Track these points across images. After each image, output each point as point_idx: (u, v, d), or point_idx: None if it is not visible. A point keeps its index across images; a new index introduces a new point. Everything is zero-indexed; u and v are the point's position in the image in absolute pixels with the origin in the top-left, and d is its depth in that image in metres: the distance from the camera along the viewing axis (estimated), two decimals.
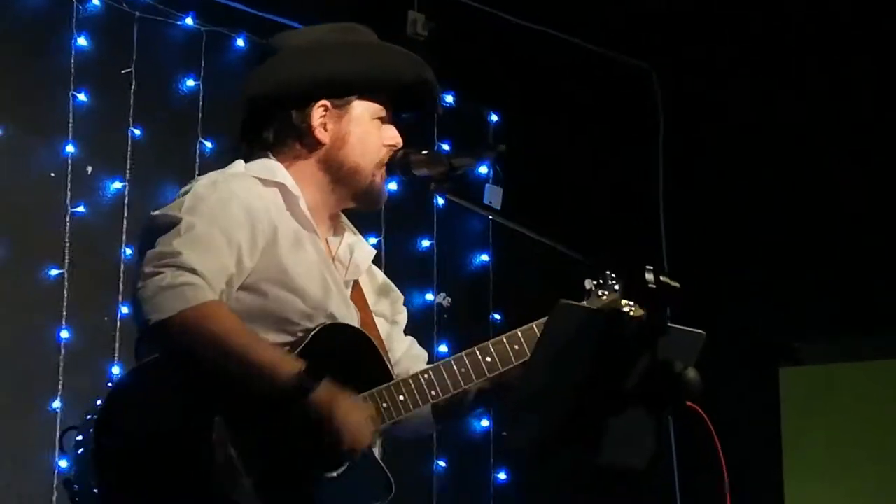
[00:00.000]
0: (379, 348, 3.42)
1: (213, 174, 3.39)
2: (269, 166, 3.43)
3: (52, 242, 5.11)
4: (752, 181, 6.36)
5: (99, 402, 3.12)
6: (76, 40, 5.22)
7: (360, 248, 3.55)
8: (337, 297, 3.39)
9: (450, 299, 6.13)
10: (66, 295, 5.10)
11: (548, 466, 5.76)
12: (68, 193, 5.15)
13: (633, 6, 6.32)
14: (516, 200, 5.94)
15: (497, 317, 6.20)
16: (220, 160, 3.56)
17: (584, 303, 3.42)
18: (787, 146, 6.24)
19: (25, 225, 5.11)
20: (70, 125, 5.18)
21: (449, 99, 5.94)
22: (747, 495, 3.62)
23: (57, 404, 5.01)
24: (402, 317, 3.68)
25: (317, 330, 3.29)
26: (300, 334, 3.30)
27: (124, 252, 5.22)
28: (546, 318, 3.22)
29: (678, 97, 6.56)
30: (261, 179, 3.38)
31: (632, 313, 3.24)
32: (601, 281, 3.44)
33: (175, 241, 3.16)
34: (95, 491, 3.06)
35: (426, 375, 3.39)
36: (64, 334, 5.08)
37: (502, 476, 6.17)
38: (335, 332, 3.33)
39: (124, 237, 5.23)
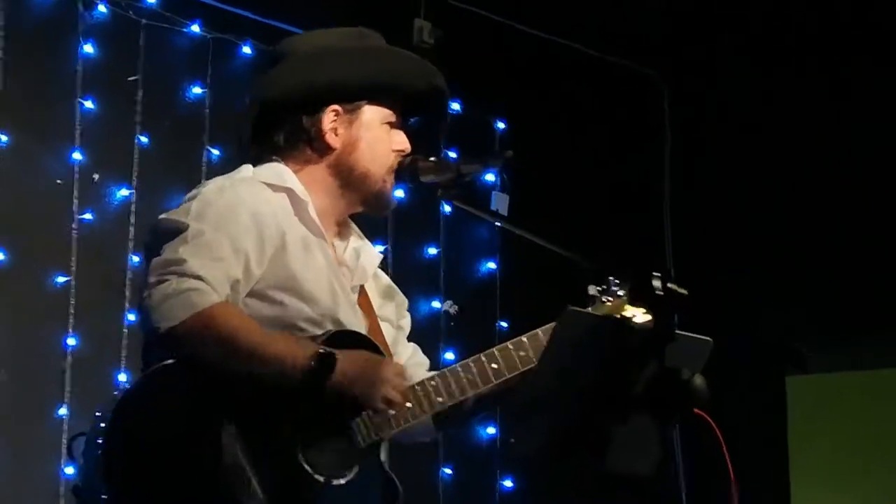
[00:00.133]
0: (385, 355, 3.41)
1: (220, 179, 3.38)
2: (278, 171, 3.43)
3: (58, 249, 5.11)
4: (761, 187, 6.35)
5: (107, 408, 3.12)
6: (83, 47, 5.23)
7: (367, 253, 3.56)
8: (344, 304, 3.39)
9: (457, 307, 6.12)
10: (72, 302, 5.10)
11: (554, 473, 5.75)
12: (75, 201, 5.16)
13: (638, 13, 6.32)
14: (523, 208, 5.94)
15: (504, 324, 6.20)
16: (226, 167, 3.56)
17: (590, 309, 3.42)
18: (796, 150, 6.23)
19: (32, 232, 5.11)
20: (77, 132, 5.19)
21: (455, 107, 5.94)
22: (754, 503, 3.62)
23: (63, 411, 5.02)
24: (407, 321, 3.68)
25: (324, 337, 3.29)
26: (307, 340, 3.29)
27: (131, 259, 5.22)
28: (551, 324, 3.23)
29: (684, 103, 6.56)
30: (269, 184, 3.37)
31: (636, 319, 3.24)
32: (605, 287, 3.45)
33: (181, 248, 3.16)
34: (104, 497, 3.06)
35: (433, 382, 3.39)
36: (71, 341, 5.08)
37: (508, 483, 6.16)
38: (342, 339, 3.32)
39: (131, 244, 5.24)
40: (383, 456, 3.35)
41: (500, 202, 5.96)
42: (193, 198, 3.29)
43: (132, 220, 5.27)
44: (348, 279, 3.48)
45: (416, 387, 3.37)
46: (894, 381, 6.10)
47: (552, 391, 3.02)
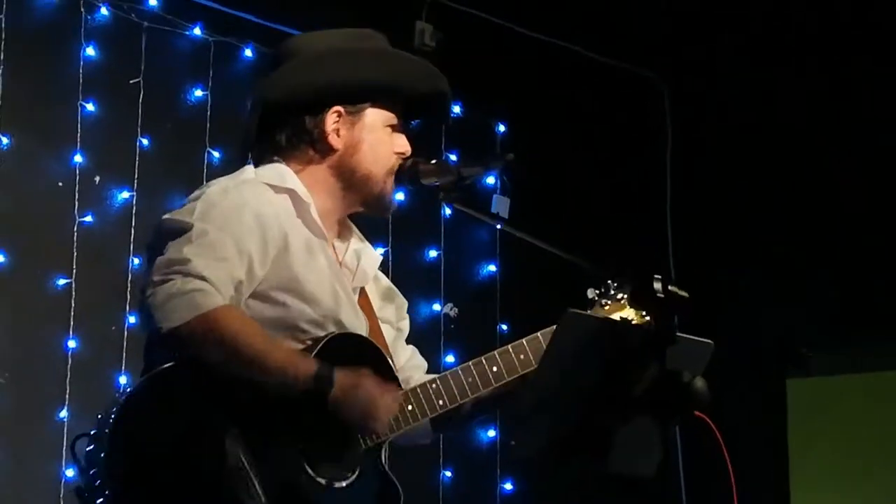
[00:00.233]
0: (387, 357, 3.42)
1: (223, 180, 3.39)
2: (280, 172, 3.43)
3: (59, 252, 5.12)
4: (761, 187, 6.35)
5: (110, 409, 3.12)
6: (84, 50, 5.23)
7: (367, 255, 3.56)
8: (346, 305, 3.40)
9: (457, 309, 6.13)
10: (73, 304, 5.10)
11: (554, 476, 5.75)
12: (76, 203, 5.16)
13: (638, 13, 6.32)
14: (524, 210, 5.94)
15: (504, 327, 6.20)
16: (227, 170, 3.55)
17: (589, 312, 3.42)
18: (796, 150, 6.23)
19: (33, 234, 5.12)
20: (78, 135, 5.19)
21: (456, 109, 5.94)
22: None
23: (64, 413, 5.02)
24: (406, 323, 3.69)
25: (326, 339, 3.30)
26: (309, 342, 3.30)
27: (132, 261, 5.22)
28: (551, 327, 3.23)
29: (685, 104, 6.56)
30: (271, 186, 3.38)
31: (635, 321, 3.25)
32: (603, 290, 3.45)
33: (185, 247, 3.16)
34: (107, 498, 3.06)
35: (434, 385, 3.40)
36: (71, 344, 5.09)
37: (508, 486, 6.17)
38: (344, 341, 3.33)
39: (132, 247, 5.24)
40: (384, 458, 3.36)
41: (500, 205, 5.95)
42: (197, 198, 3.29)
43: (133, 222, 5.27)
44: (349, 280, 3.49)
45: (418, 390, 3.38)
46: (895, 383, 6.10)
47: (553, 393, 3.03)
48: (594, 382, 3.01)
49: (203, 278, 3.11)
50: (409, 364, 3.64)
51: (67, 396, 5.04)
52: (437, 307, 6.08)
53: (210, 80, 5.52)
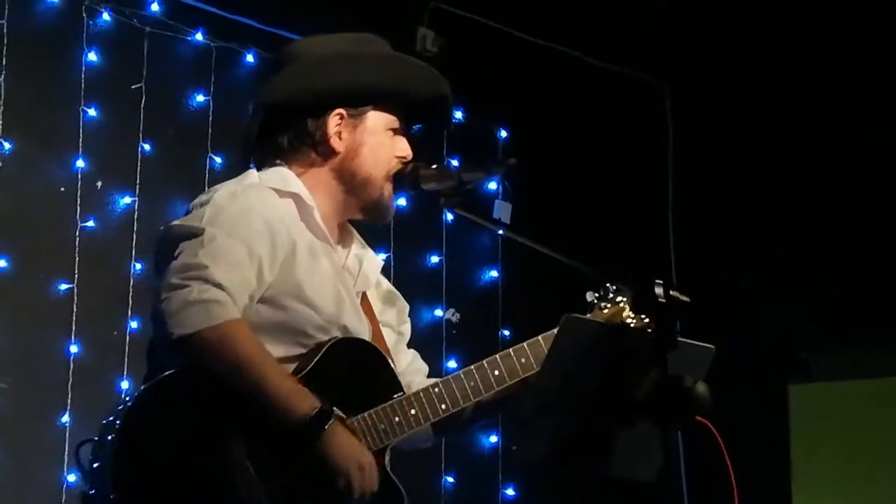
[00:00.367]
0: (390, 362, 3.43)
1: (230, 184, 3.39)
2: (283, 176, 3.43)
3: (61, 257, 5.12)
4: (762, 188, 6.35)
5: (116, 414, 3.12)
6: (86, 55, 5.24)
7: (369, 260, 3.56)
8: (350, 310, 3.40)
9: (458, 315, 6.13)
10: (75, 309, 5.11)
11: (556, 481, 5.75)
12: (78, 208, 5.17)
13: (638, 15, 6.33)
14: (526, 216, 5.94)
15: (506, 333, 6.20)
16: (229, 175, 3.56)
17: (588, 316, 3.42)
18: (796, 151, 6.23)
19: (35, 239, 5.12)
20: (80, 140, 5.20)
21: (458, 115, 5.94)
22: None
23: (66, 418, 5.02)
24: (407, 327, 3.68)
25: (330, 344, 3.30)
26: (313, 346, 3.30)
27: (134, 267, 5.23)
28: (552, 330, 3.23)
29: (685, 106, 6.57)
30: (276, 190, 3.38)
31: (634, 325, 3.25)
32: (602, 293, 3.45)
33: (199, 251, 3.16)
34: (114, 501, 3.06)
35: (436, 389, 3.40)
36: (73, 348, 5.09)
37: (510, 492, 6.16)
38: (348, 346, 3.33)
39: (134, 252, 5.24)
40: (387, 462, 3.35)
41: (502, 211, 5.95)
42: (205, 203, 3.29)
43: (135, 227, 5.28)
44: (351, 285, 3.49)
45: (420, 394, 3.38)
46: None
47: (554, 397, 3.03)
48: (595, 386, 3.00)
49: (220, 286, 3.11)
50: (411, 368, 3.64)
51: (69, 401, 5.04)
52: (438, 313, 6.08)
53: (212, 85, 5.53)
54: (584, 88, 6.45)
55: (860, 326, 6.00)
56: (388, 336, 3.58)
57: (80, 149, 5.19)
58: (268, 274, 3.26)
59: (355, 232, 3.60)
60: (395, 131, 3.51)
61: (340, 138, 3.47)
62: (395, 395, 3.36)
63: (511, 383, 3.46)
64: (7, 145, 5.03)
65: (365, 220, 3.56)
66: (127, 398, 3.22)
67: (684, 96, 6.56)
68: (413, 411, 3.35)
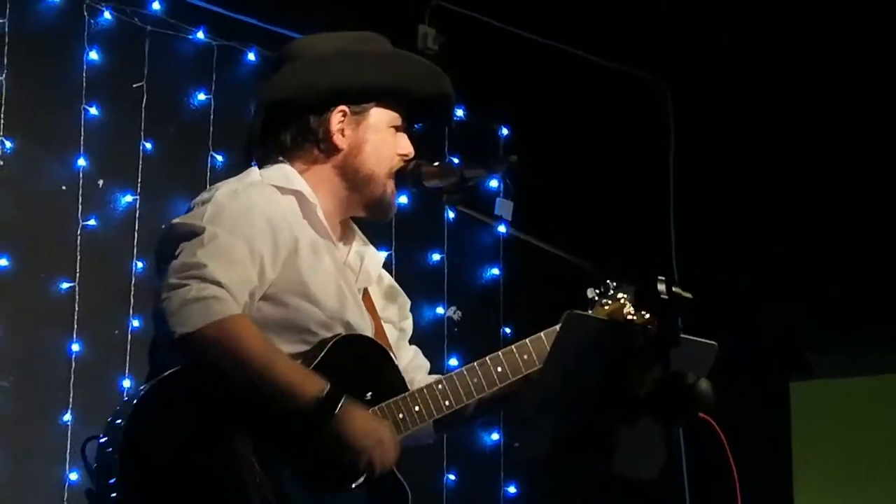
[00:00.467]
0: (393, 359, 3.43)
1: (231, 182, 3.39)
2: (285, 173, 3.44)
3: (63, 255, 5.12)
4: (763, 187, 6.35)
5: (122, 412, 3.12)
6: (88, 54, 5.24)
7: (370, 256, 3.57)
8: (353, 306, 3.40)
9: (460, 313, 6.13)
10: (76, 308, 5.11)
11: (557, 478, 5.75)
12: (80, 207, 5.17)
13: (639, 13, 6.33)
14: (527, 214, 5.93)
15: (507, 330, 6.20)
16: (230, 173, 3.56)
17: (590, 312, 3.42)
18: (797, 149, 6.23)
19: (37, 238, 5.12)
20: (81, 139, 5.20)
21: (459, 113, 5.94)
22: None
23: (68, 417, 5.02)
24: (409, 323, 3.69)
25: (334, 341, 3.30)
26: (317, 343, 3.30)
27: (135, 265, 5.23)
28: (554, 327, 3.24)
29: (686, 104, 6.57)
30: (278, 187, 3.38)
31: (635, 320, 3.25)
32: (603, 290, 3.45)
33: (199, 251, 3.16)
34: (119, 501, 3.06)
35: (440, 386, 3.40)
36: (75, 347, 5.09)
37: (512, 490, 6.16)
38: (352, 343, 3.34)
39: (135, 250, 5.24)
40: None
41: (504, 209, 5.93)
42: (206, 201, 3.29)
43: (136, 226, 5.27)
44: (353, 281, 3.49)
45: (424, 390, 3.39)
46: None
47: (556, 394, 3.03)
48: (597, 383, 3.01)
49: (219, 284, 3.12)
50: (412, 365, 3.64)
51: (71, 400, 5.04)
52: (440, 310, 6.08)
53: (213, 83, 5.53)
54: (585, 87, 6.45)
55: (861, 324, 6.00)
56: (390, 332, 3.58)
57: (82, 147, 5.19)
58: (270, 272, 3.26)
59: (357, 228, 3.60)
60: (398, 128, 3.52)
61: (343, 135, 3.47)
62: (399, 392, 3.36)
63: (514, 380, 3.47)
64: (8, 144, 5.03)
65: (367, 217, 3.56)
66: (132, 396, 3.21)
67: (685, 94, 6.56)
68: (417, 408, 3.36)
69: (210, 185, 3.50)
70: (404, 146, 3.52)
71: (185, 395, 3.12)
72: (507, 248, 6.26)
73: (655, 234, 6.47)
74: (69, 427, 5.01)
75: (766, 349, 6.23)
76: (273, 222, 3.29)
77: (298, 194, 3.40)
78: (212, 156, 5.47)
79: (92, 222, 5.19)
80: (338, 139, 3.46)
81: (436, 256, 6.12)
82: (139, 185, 5.30)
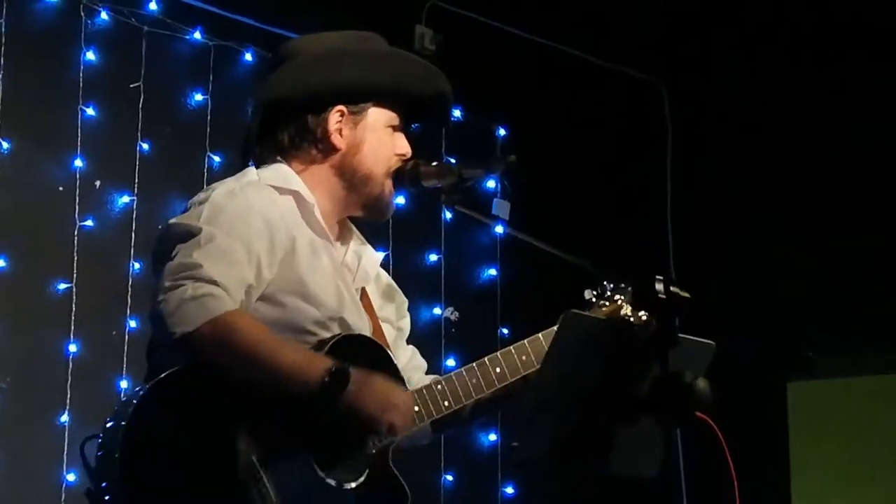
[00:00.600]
0: (392, 358, 3.43)
1: (228, 182, 3.38)
2: (283, 173, 3.43)
3: (60, 256, 5.12)
4: (762, 186, 6.35)
5: (122, 411, 3.11)
6: (84, 55, 5.24)
7: (368, 256, 3.57)
8: (350, 306, 3.40)
9: (457, 313, 6.13)
10: (74, 308, 5.10)
11: (555, 479, 5.75)
12: (77, 207, 5.16)
13: (636, 13, 6.33)
14: (525, 215, 5.93)
15: (505, 331, 6.20)
16: (227, 174, 3.55)
17: (587, 313, 3.42)
18: (796, 149, 6.23)
19: (34, 239, 5.12)
20: (78, 139, 5.19)
21: (456, 114, 5.94)
22: None
23: (65, 418, 5.02)
24: (406, 322, 3.69)
25: (334, 341, 3.30)
26: (315, 344, 3.30)
27: (132, 266, 5.23)
28: (552, 328, 3.23)
29: (684, 105, 6.57)
30: (275, 188, 3.38)
31: (633, 320, 3.25)
32: (600, 291, 3.45)
33: (195, 252, 3.15)
34: (119, 500, 3.06)
35: (439, 386, 3.41)
36: (72, 348, 5.09)
37: (510, 490, 6.17)
38: (351, 342, 3.33)
39: (132, 251, 5.24)
40: (391, 460, 3.35)
41: (501, 209, 5.92)
42: (203, 202, 3.28)
43: (133, 226, 5.27)
44: (351, 281, 3.49)
45: (423, 391, 3.39)
46: None
47: (554, 394, 3.03)
48: (596, 383, 3.01)
49: (214, 282, 3.11)
50: (410, 365, 3.64)
51: (68, 401, 5.03)
52: (437, 311, 6.08)
53: (210, 84, 5.52)
54: (582, 87, 6.46)
55: (859, 325, 6.01)
56: (388, 332, 3.58)
57: (79, 148, 5.19)
58: (266, 272, 3.26)
59: (354, 228, 3.60)
60: (395, 128, 3.52)
61: (341, 135, 3.47)
62: None
63: (512, 381, 3.47)
64: (5, 145, 5.03)
65: (365, 216, 3.56)
66: (131, 397, 3.20)
67: (683, 94, 6.57)
68: (416, 408, 3.36)
69: (207, 186, 3.49)
70: (402, 146, 3.52)
71: (184, 395, 3.11)
72: (505, 248, 6.26)
73: (653, 234, 6.48)
74: (66, 427, 5.00)
75: (764, 349, 6.22)
76: (270, 222, 3.29)
77: (296, 194, 3.40)
78: (209, 156, 5.47)
79: (89, 223, 5.18)
80: (336, 139, 3.46)
81: (433, 257, 6.13)
82: (136, 185, 5.30)
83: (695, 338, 3.11)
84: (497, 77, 6.16)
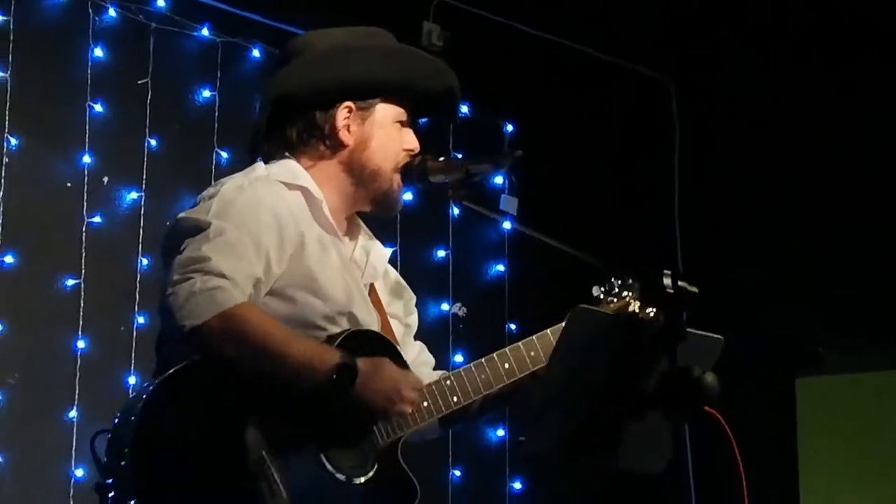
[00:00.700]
0: (402, 354, 3.44)
1: (237, 177, 3.38)
2: (292, 169, 3.43)
3: (68, 252, 5.13)
4: (770, 184, 6.35)
5: (132, 405, 3.12)
6: (92, 51, 5.24)
7: (376, 251, 3.57)
8: (359, 301, 3.41)
9: (465, 309, 6.13)
10: (82, 305, 5.11)
11: (563, 474, 5.75)
12: (85, 204, 5.17)
13: (645, 12, 6.33)
14: (532, 211, 5.94)
15: (512, 327, 6.20)
16: (235, 170, 3.55)
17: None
18: (807, 150, 6.23)
19: (42, 235, 5.13)
20: (86, 136, 5.20)
21: (464, 110, 5.94)
22: (762, 501, 3.62)
23: (73, 414, 5.03)
24: (414, 318, 3.69)
25: (343, 336, 3.30)
26: (325, 339, 3.30)
27: (140, 262, 5.23)
28: (560, 324, 3.23)
29: (692, 102, 6.57)
30: (284, 183, 3.38)
31: (641, 316, 3.25)
32: (608, 288, 3.45)
33: (204, 245, 3.16)
34: (130, 494, 3.06)
35: (448, 382, 3.41)
36: (80, 344, 5.10)
37: (517, 485, 6.17)
38: (360, 338, 3.34)
39: (140, 247, 5.25)
40: (400, 454, 3.36)
41: (509, 205, 5.93)
42: (212, 196, 3.29)
43: (141, 222, 5.28)
44: (359, 277, 3.49)
45: (433, 386, 3.40)
46: None
47: (562, 389, 3.03)
48: (604, 378, 3.01)
49: (223, 275, 3.11)
50: (417, 361, 3.65)
51: (76, 397, 5.05)
52: (445, 307, 6.08)
53: (218, 80, 5.53)
54: (590, 83, 6.45)
55: (866, 321, 6.00)
56: (396, 328, 3.59)
57: (87, 145, 5.20)
58: (276, 267, 3.27)
59: (362, 224, 3.60)
60: (403, 124, 3.52)
61: (349, 131, 3.47)
62: None
63: (520, 376, 3.48)
64: (14, 141, 5.04)
65: (374, 212, 3.56)
66: (140, 393, 3.20)
67: (691, 92, 6.56)
68: (425, 403, 3.36)
69: (215, 182, 3.49)
70: (410, 141, 3.52)
71: (193, 390, 3.12)
72: (513, 244, 6.26)
73: (660, 232, 6.48)
74: (75, 424, 5.01)
75: (770, 347, 6.22)
76: (279, 217, 3.29)
77: (304, 190, 3.40)
78: (217, 152, 5.48)
79: (97, 219, 5.19)
80: (343, 135, 3.46)
81: (441, 253, 6.13)
82: (144, 182, 5.31)
83: (703, 332, 3.11)
84: (505, 73, 6.15)
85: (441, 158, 3.50)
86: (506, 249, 6.29)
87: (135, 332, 5.18)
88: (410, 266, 5.63)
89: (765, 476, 4.86)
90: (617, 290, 3.44)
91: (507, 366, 3.46)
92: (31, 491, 4.97)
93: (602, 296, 3.46)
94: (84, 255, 5.14)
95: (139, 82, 5.33)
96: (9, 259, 5.00)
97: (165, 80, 5.40)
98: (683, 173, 6.55)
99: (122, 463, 3.05)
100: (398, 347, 3.45)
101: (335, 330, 3.32)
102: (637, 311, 3.35)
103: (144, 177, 5.32)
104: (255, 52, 5.63)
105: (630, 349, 3.00)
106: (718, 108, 6.52)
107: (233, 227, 3.20)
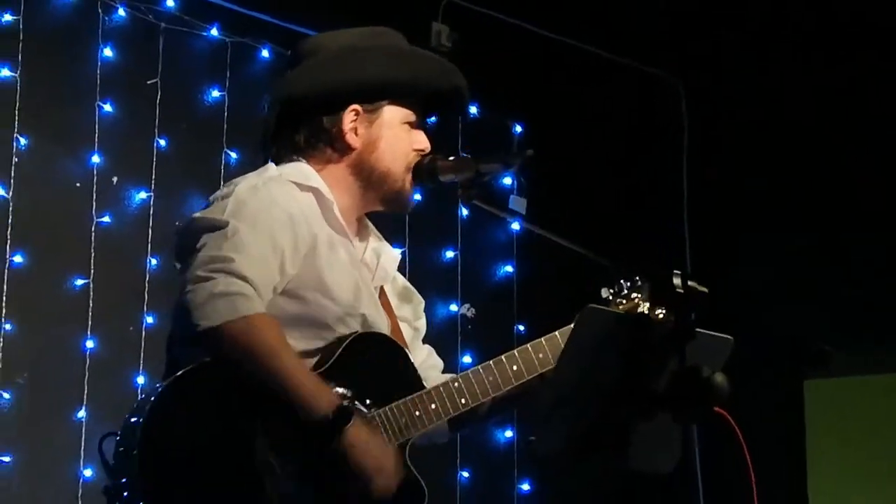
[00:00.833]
0: (410, 357, 3.43)
1: (250, 177, 3.38)
2: (303, 170, 3.43)
3: (77, 252, 5.13)
4: (779, 188, 6.34)
5: (141, 407, 3.12)
6: (102, 51, 5.25)
7: (387, 254, 3.57)
8: (369, 302, 3.40)
9: (474, 310, 6.13)
10: (91, 304, 5.12)
11: (572, 475, 5.75)
12: (94, 203, 5.18)
13: (652, 11, 6.33)
14: (541, 211, 5.92)
15: (521, 328, 6.20)
16: (244, 170, 3.55)
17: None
18: (815, 150, 6.22)
19: (51, 235, 5.13)
20: (96, 136, 5.21)
21: (473, 110, 5.94)
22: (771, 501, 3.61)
23: (82, 413, 5.03)
24: (422, 322, 3.69)
25: (352, 338, 3.30)
26: (334, 340, 3.30)
27: (150, 262, 5.23)
28: (569, 326, 3.23)
29: (701, 102, 6.56)
30: (297, 184, 3.38)
31: (651, 316, 3.24)
32: (617, 289, 3.45)
33: (224, 244, 3.15)
34: (138, 496, 3.06)
35: (456, 384, 3.40)
36: (89, 344, 5.10)
37: (526, 487, 6.16)
38: (369, 340, 3.34)
39: (150, 247, 5.25)
40: (408, 456, 3.35)
41: (517, 205, 5.92)
42: (226, 196, 3.28)
43: (150, 222, 5.28)
44: (370, 279, 3.49)
45: (441, 388, 3.39)
46: None
47: (571, 389, 3.02)
48: (613, 378, 3.00)
49: (245, 279, 3.11)
50: (426, 364, 3.64)
51: (85, 396, 5.05)
52: (453, 308, 6.08)
53: (227, 80, 5.54)
54: (598, 83, 6.45)
55: (875, 322, 5.99)
56: (405, 331, 3.58)
57: (96, 144, 5.21)
58: (290, 267, 3.27)
59: (372, 226, 3.60)
60: (412, 125, 3.51)
61: (357, 134, 3.46)
62: (416, 390, 3.36)
63: (529, 378, 3.47)
64: (23, 141, 5.05)
65: (386, 210, 3.55)
66: (150, 393, 3.20)
67: (699, 91, 6.56)
68: (433, 406, 3.35)
69: (224, 182, 3.49)
70: (420, 141, 3.51)
71: (201, 392, 3.11)
72: (521, 245, 6.26)
73: (669, 232, 6.47)
74: (84, 424, 5.02)
75: (780, 347, 6.21)
76: (293, 217, 3.29)
77: (316, 191, 3.40)
78: (226, 153, 5.48)
79: (106, 219, 5.20)
80: (351, 138, 3.46)
81: (449, 253, 6.13)
82: (153, 181, 5.31)
83: (712, 332, 3.10)
84: (514, 74, 6.16)
85: (451, 158, 3.50)
86: (514, 251, 6.29)
87: (144, 332, 5.18)
88: (419, 267, 5.65)
89: (773, 477, 4.85)
90: (626, 291, 3.44)
91: (515, 368, 3.45)
92: (40, 491, 4.98)
93: (611, 297, 3.46)
94: (93, 254, 5.15)
95: (148, 82, 5.33)
96: (18, 259, 5.00)
97: (175, 80, 5.40)
98: (692, 173, 6.55)
99: (130, 465, 3.05)
100: (407, 350, 3.45)
101: (346, 331, 3.32)
102: (646, 312, 3.35)
103: (154, 177, 5.32)
104: (265, 53, 5.64)
105: (639, 349, 2.99)
106: (726, 109, 6.51)
107: (249, 227, 3.20)
